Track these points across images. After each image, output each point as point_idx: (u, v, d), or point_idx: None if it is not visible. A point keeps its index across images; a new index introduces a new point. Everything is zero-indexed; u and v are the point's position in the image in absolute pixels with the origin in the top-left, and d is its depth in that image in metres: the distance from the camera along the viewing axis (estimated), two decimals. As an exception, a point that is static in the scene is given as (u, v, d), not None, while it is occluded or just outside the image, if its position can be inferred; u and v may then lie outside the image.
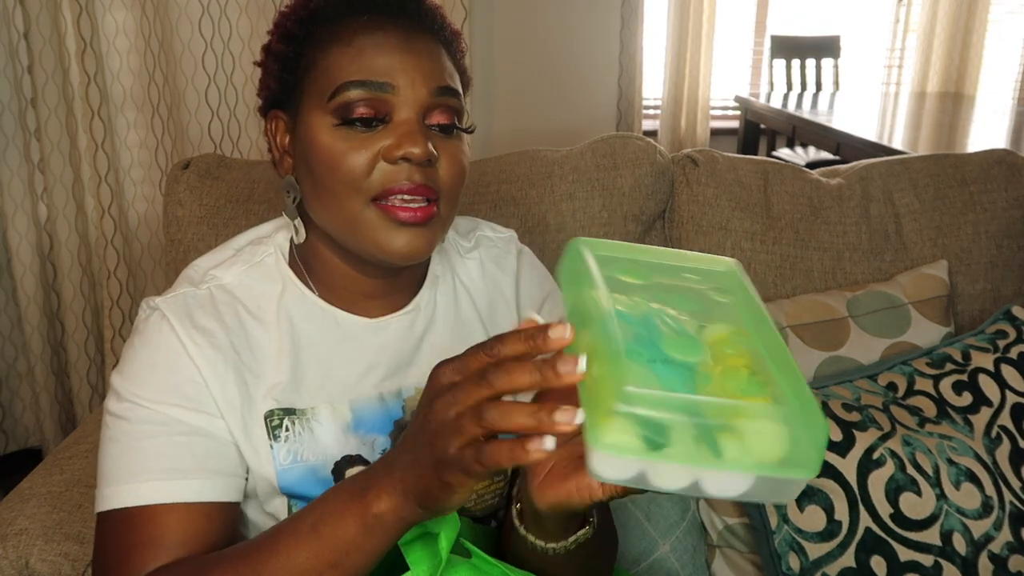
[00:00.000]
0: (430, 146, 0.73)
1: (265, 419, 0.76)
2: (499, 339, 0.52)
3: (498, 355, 0.52)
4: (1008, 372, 1.16)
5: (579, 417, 0.48)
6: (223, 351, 0.76)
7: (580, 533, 0.66)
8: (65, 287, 2.15)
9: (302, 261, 0.83)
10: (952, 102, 3.66)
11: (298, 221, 0.80)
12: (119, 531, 0.72)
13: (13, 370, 2.23)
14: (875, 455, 1.07)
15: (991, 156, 1.43)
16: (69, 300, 2.16)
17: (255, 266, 0.82)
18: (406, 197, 0.72)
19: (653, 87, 3.97)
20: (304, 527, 0.62)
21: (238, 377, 0.76)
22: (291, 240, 0.84)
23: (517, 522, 0.67)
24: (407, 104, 0.73)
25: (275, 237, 0.85)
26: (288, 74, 0.77)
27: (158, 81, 2.03)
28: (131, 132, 2.06)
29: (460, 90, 0.78)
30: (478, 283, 0.91)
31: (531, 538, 0.66)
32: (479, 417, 0.51)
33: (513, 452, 0.50)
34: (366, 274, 0.81)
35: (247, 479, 0.77)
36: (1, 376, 2.22)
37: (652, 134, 4.08)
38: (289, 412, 0.77)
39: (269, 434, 0.76)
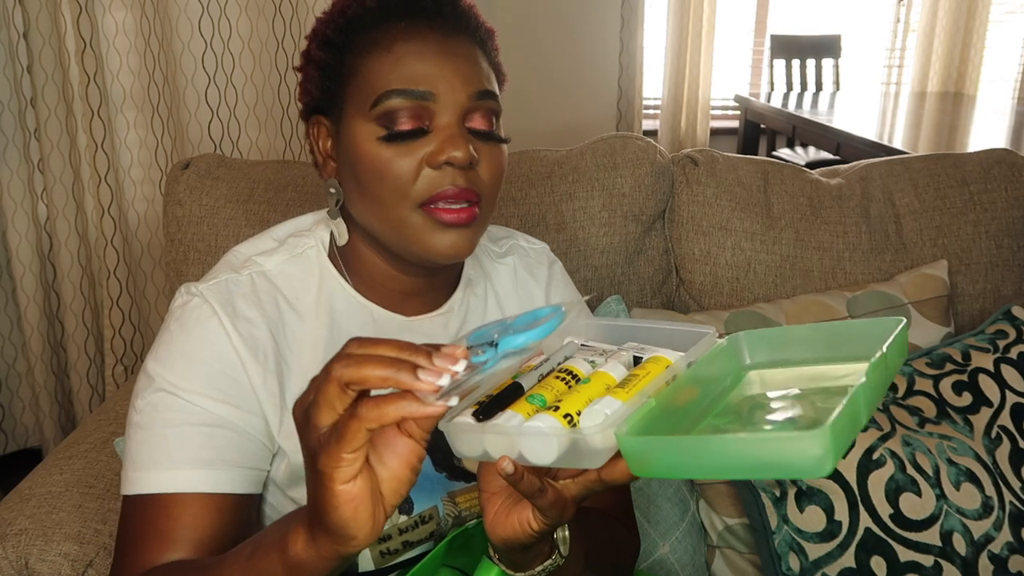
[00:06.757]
0: (471, 149, 0.75)
1: None
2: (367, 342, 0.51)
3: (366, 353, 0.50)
4: (1008, 372, 1.16)
5: (444, 380, 0.46)
6: (264, 340, 0.78)
7: (548, 563, 0.70)
8: (65, 287, 2.15)
9: (341, 257, 0.85)
10: (952, 102, 3.66)
11: (341, 224, 0.83)
12: (134, 518, 0.75)
13: (13, 370, 2.23)
14: (875, 455, 1.07)
15: (991, 156, 1.42)
16: (69, 300, 2.16)
17: (297, 257, 0.84)
18: (451, 200, 0.75)
19: (653, 87, 3.97)
20: (243, 554, 0.62)
21: (277, 366, 0.78)
22: (331, 235, 0.86)
23: (492, 556, 0.71)
24: (448, 110, 0.75)
25: (316, 231, 0.87)
26: (330, 81, 0.79)
27: (158, 81, 2.03)
28: (131, 132, 2.06)
29: (497, 91, 0.80)
30: (509, 289, 0.94)
31: (503, 568, 0.70)
32: (343, 385, 0.49)
33: (400, 403, 0.48)
34: (405, 273, 0.83)
35: (269, 470, 0.79)
36: (1, 376, 2.22)
37: (652, 134, 4.08)
38: None
39: None
